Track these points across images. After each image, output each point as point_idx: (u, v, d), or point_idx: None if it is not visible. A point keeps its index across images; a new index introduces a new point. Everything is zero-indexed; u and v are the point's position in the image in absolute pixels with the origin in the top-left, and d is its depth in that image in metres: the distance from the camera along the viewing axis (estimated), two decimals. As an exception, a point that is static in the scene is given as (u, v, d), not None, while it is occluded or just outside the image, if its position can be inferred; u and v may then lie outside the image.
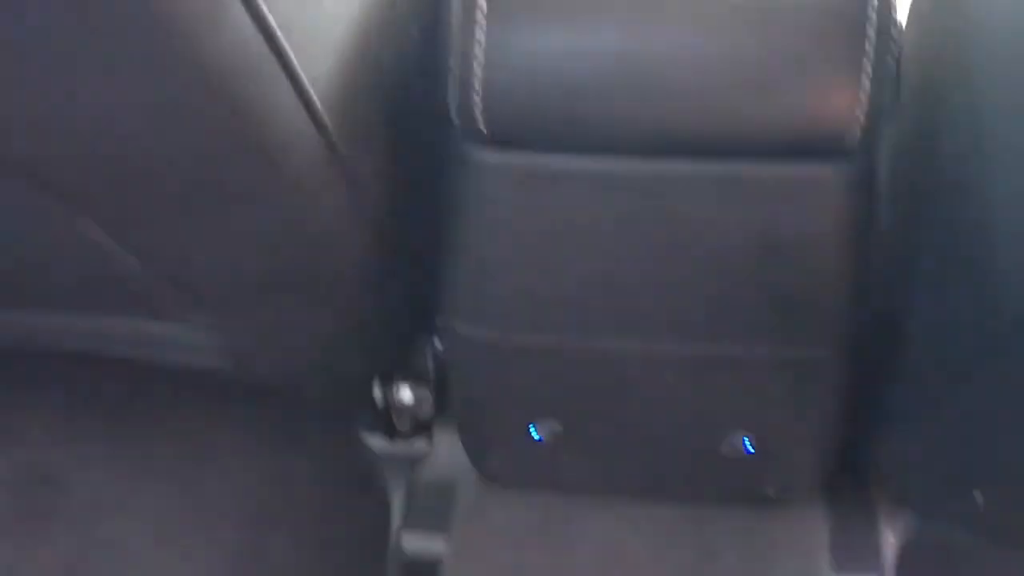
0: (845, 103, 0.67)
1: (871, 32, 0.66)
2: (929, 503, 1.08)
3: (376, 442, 1.21)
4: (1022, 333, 0.66)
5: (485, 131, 0.70)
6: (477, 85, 0.68)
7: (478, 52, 0.68)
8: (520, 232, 0.78)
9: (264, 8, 0.55)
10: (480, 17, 0.67)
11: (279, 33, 0.57)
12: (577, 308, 0.84)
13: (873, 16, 0.66)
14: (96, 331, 0.96)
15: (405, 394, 1.11)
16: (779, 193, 0.73)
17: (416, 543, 1.18)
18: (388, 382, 1.11)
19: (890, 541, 1.14)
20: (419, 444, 1.21)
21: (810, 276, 0.78)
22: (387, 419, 1.13)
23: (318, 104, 0.63)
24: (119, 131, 0.61)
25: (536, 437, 0.98)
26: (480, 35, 0.68)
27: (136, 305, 0.89)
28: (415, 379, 1.12)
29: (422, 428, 1.19)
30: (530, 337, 0.87)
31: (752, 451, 0.95)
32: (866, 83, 0.67)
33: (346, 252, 0.80)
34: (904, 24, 0.73)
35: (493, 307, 0.85)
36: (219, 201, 0.68)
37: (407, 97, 0.77)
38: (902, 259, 0.83)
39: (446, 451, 1.19)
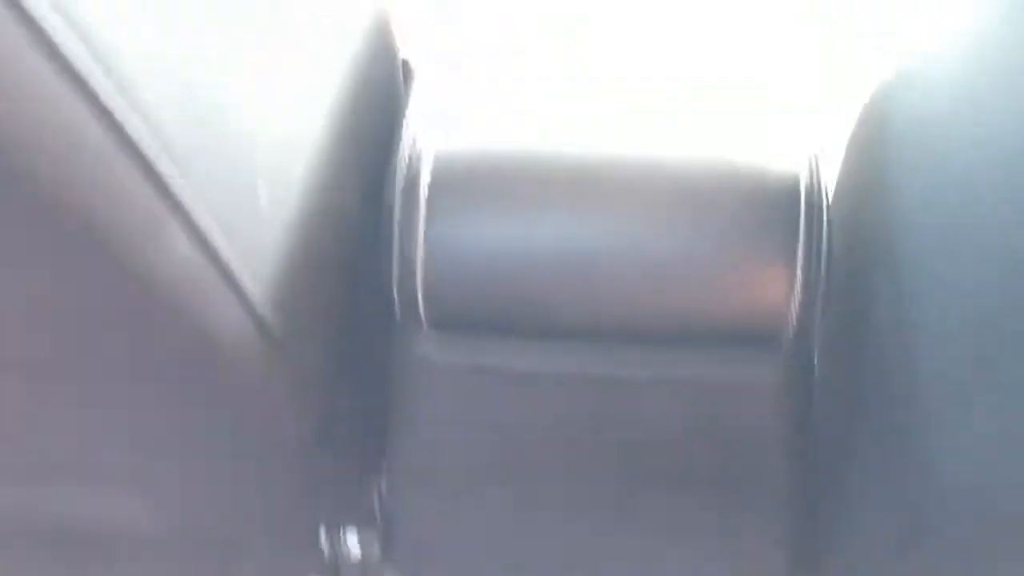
0: (779, 296, 0.66)
1: (803, 224, 0.66)
2: None
3: (324, 592, 1.16)
4: (953, 516, 0.65)
5: (426, 325, 0.69)
6: (419, 277, 0.67)
7: (419, 246, 0.66)
8: (461, 443, 0.76)
9: (202, 225, 0.52)
10: (421, 211, 0.66)
11: (219, 244, 0.54)
12: (524, 545, 0.81)
13: (804, 208, 0.66)
14: (20, 503, 0.91)
15: (352, 542, 1.06)
16: (713, 388, 0.72)
17: None
18: (334, 528, 1.07)
19: None
20: (370, 592, 1.16)
21: (748, 473, 0.77)
22: (335, 568, 1.08)
23: (259, 309, 0.60)
24: (48, 338, 0.57)
25: None
26: (421, 230, 0.66)
27: (66, 475, 0.84)
28: (362, 523, 1.07)
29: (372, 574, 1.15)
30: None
31: None
32: (800, 275, 0.66)
33: (285, 445, 0.77)
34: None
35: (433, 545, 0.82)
36: (156, 400, 0.65)
37: (354, 291, 0.75)
38: (836, 451, 0.82)
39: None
